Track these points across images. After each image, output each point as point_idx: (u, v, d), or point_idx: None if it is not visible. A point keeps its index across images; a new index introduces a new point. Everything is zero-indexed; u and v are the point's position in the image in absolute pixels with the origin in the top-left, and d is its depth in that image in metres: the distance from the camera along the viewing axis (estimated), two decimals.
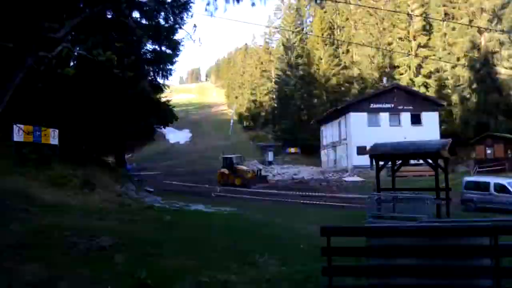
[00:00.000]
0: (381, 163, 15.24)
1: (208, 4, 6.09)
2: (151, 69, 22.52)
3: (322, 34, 52.71)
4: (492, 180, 16.97)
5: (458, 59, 39.43)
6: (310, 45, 61.74)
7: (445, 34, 44.54)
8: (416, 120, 36.91)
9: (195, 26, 3.40)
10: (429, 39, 45.22)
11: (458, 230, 3.52)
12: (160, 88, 24.07)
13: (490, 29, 35.89)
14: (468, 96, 39.08)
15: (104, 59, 3.73)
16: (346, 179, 32.73)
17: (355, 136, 35.59)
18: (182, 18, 18.56)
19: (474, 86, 38.70)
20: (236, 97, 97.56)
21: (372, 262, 3.60)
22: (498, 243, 3.25)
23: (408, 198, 13.30)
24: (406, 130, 34.83)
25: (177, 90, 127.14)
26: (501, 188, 15.92)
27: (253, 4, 6.50)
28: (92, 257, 5.71)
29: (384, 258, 3.55)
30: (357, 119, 36.36)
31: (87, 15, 4.05)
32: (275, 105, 64.97)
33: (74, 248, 6.13)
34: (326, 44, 54.28)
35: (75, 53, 3.88)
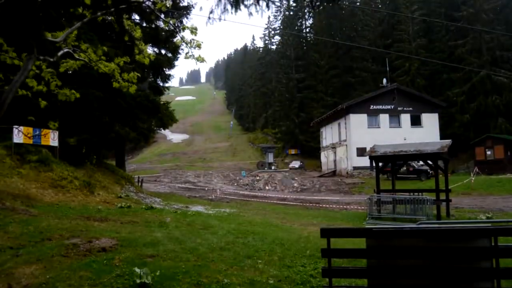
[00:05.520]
0: (380, 164, 15.26)
1: (211, 12, 6.08)
2: (151, 72, 22.61)
3: (322, 36, 52.75)
4: None
5: (457, 60, 39.46)
6: (310, 46, 61.81)
7: (444, 35, 44.64)
8: (416, 121, 36.98)
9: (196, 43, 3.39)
10: (429, 40, 45.31)
11: (457, 231, 3.53)
12: (160, 90, 24.16)
13: (490, 31, 35.95)
14: (468, 97, 39.12)
15: (107, 71, 3.76)
16: (345, 180, 32.75)
17: (355, 138, 35.65)
18: (181, 22, 18.66)
19: (474, 87, 38.75)
20: (236, 99, 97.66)
21: (372, 264, 3.60)
22: (497, 244, 3.26)
23: (407, 199, 13.32)
24: (406, 131, 34.96)
25: (177, 92, 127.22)
26: None
27: (250, 14, 6.45)
28: (92, 259, 5.71)
29: (384, 260, 3.56)
30: (357, 121, 36.41)
31: (88, 20, 4.06)
32: (275, 107, 65.01)
33: (74, 250, 6.13)
34: (325, 46, 54.34)
35: (76, 58, 3.90)
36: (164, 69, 22.90)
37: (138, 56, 3.92)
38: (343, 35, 56.48)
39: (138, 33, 3.84)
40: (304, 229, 10.27)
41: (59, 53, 3.72)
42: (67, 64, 3.88)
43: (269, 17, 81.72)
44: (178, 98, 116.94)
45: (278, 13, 72.43)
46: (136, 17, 18.22)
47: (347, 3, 56.77)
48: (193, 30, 3.68)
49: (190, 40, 3.65)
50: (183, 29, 3.86)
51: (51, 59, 3.71)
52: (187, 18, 20.68)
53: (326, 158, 44.75)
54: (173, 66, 23.18)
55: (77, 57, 3.80)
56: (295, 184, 32.34)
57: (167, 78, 23.73)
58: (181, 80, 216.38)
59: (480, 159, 32.26)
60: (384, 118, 36.80)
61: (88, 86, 14.85)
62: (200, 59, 3.78)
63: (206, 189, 30.18)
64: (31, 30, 3.23)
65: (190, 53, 3.65)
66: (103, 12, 3.69)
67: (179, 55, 22.67)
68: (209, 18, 6.20)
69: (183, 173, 44.27)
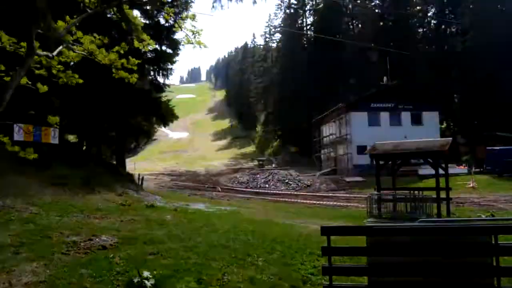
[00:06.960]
0: (381, 162, 15.24)
1: (215, 1, 6.03)
2: (151, 68, 22.58)
3: (322, 34, 52.59)
4: None
5: (458, 59, 39.39)
6: (311, 44, 61.62)
7: (445, 33, 44.50)
8: (416, 119, 36.92)
9: (195, 30, 3.36)
10: (430, 38, 45.20)
11: (458, 229, 3.52)
12: (160, 88, 24.12)
13: (491, 29, 35.85)
14: (469, 96, 39.07)
15: (107, 62, 3.74)
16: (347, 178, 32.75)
17: (355, 136, 35.62)
18: (182, 18, 18.61)
19: (476, 86, 38.70)
20: (236, 97, 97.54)
21: (373, 262, 3.60)
22: (498, 242, 3.26)
23: (408, 197, 13.31)
24: (407, 129, 34.88)
25: (177, 89, 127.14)
26: None
27: (254, 2, 6.40)
28: (93, 257, 5.72)
29: (385, 258, 3.55)
30: (357, 119, 36.37)
31: (89, 14, 4.04)
32: (275, 105, 64.94)
33: (74, 247, 6.14)
34: (326, 43, 54.18)
35: (76, 53, 3.89)
36: (165, 65, 22.85)
37: (138, 44, 3.91)
38: (343, 32, 56.29)
39: (138, 21, 3.83)
40: (305, 227, 10.26)
41: (58, 49, 3.71)
42: (68, 55, 3.87)
43: (269, 15, 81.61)
44: (178, 96, 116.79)
45: (279, 11, 72.31)
46: (138, 13, 18.17)
47: (347, 0, 56.61)
48: (193, 17, 3.66)
49: (192, 27, 3.65)
50: (184, 18, 3.83)
51: (50, 55, 3.70)
52: (187, 11, 20.65)
53: (326, 156, 44.72)
54: (173, 62, 23.12)
55: (76, 50, 3.79)
56: (296, 182, 32.34)
57: (168, 72, 23.61)
58: (181, 78, 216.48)
59: (481, 157, 32.22)
60: (384, 116, 36.75)
61: (87, 84, 14.81)
62: (201, 44, 3.75)
63: (206, 186, 30.20)
64: (30, 24, 3.21)
65: (190, 37, 3.61)
66: (104, 6, 3.68)
67: (179, 51, 22.63)
68: (213, 6, 6.15)
69: (183, 171, 44.30)
